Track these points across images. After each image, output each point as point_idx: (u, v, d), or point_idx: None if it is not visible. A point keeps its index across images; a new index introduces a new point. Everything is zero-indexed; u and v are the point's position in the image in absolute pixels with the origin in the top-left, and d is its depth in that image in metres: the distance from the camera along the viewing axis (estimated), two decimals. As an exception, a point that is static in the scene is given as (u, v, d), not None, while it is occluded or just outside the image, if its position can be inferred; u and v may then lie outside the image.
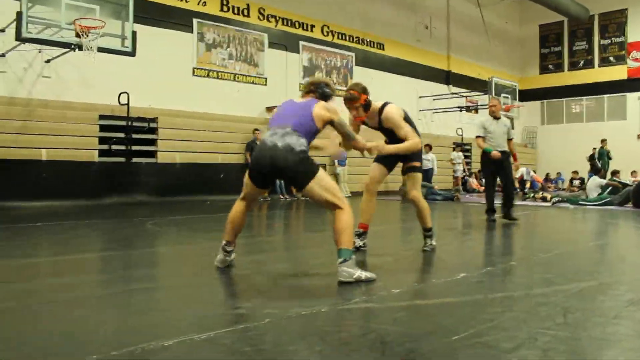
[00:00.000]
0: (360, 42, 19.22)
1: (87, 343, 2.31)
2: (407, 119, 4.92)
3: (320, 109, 3.96)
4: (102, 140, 11.99)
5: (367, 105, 4.81)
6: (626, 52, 24.45)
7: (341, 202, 3.74)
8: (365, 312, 2.86)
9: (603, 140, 19.81)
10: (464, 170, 20.71)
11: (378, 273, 3.72)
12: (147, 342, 2.25)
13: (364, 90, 4.81)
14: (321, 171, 3.74)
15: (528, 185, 19.48)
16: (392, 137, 4.89)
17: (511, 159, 8.28)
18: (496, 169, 8.15)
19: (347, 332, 2.47)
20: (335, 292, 3.36)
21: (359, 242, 4.99)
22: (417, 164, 4.91)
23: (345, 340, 2.34)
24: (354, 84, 4.91)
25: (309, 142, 3.85)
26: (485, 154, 8.05)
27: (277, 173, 3.78)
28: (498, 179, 8.37)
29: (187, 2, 14.39)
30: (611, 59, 24.95)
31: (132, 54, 10.75)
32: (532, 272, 4.04)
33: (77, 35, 9.69)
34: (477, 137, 8.18)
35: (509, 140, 8.24)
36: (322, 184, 3.70)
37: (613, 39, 24.91)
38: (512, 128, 8.58)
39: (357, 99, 4.76)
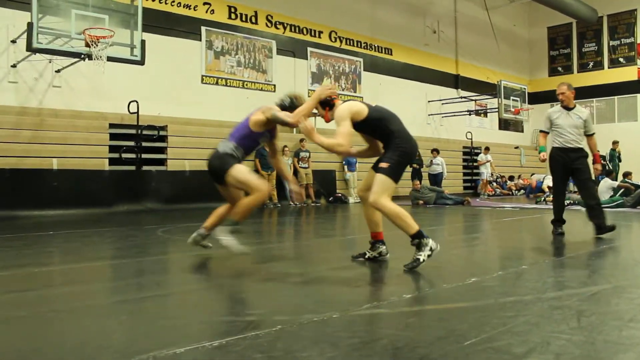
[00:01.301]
0: (368, 47, 19.23)
1: (99, 351, 2.31)
2: (371, 118, 4.33)
3: (256, 114, 4.78)
4: (112, 149, 12.06)
5: (323, 104, 4.60)
6: (636, 53, 24.28)
7: (252, 187, 4.65)
8: (376, 317, 2.84)
9: (615, 142, 19.65)
10: (491, 174, 20.46)
11: (389, 278, 3.70)
12: (159, 349, 2.25)
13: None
14: (236, 165, 4.66)
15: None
16: (378, 137, 4.49)
17: (589, 159, 6.79)
18: (567, 173, 6.74)
19: (358, 338, 2.46)
20: (346, 298, 3.35)
21: (369, 253, 4.70)
22: (384, 164, 4.24)
23: (357, 346, 2.33)
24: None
25: (248, 144, 4.84)
26: (553, 155, 6.74)
27: (212, 174, 4.88)
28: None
29: (195, 10, 14.47)
30: (621, 60, 24.80)
31: (141, 62, 10.82)
32: (544, 275, 4.01)
33: (87, 45, 9.77)
34: (540, 131, 7.03)
35: (589, 136, 6.78)
36: (234, 174, 4.66)
37: (622, 40, 24.76)
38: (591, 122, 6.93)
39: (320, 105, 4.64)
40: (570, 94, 6.87)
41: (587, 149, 6.74)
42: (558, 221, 6.76)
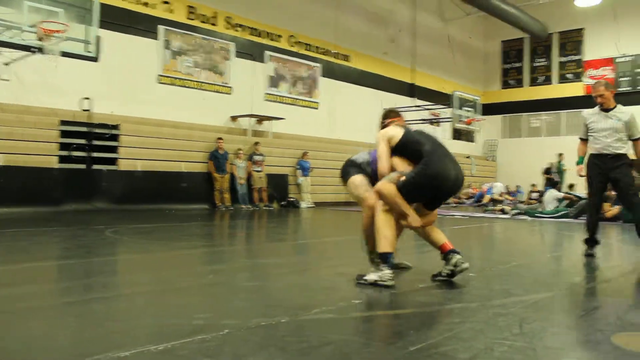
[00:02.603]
0: (327, 53, 19.33)
1: (44, 354, 2.26)
2: (404, 142, 4.20)
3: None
4: (62, 147, 11.74)
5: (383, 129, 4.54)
6: (583, 70, 25.18)
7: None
8: (325, 322, 2.86)
9: (560, 154, 20.32)
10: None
11: (339, 283, 3.72)
12: (105, 352, 2.22)
13: (385, 116, 4.75)
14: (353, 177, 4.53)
15: (487, 199, 19.81)
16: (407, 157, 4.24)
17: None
18: (603, 183, 5.87)
19: (307, 342, 2.47)
20: (296, 302, 3.36)
21: (446, 270, 4.13)
22: (402, 178, 4.00)
23: (305, 351, 2.35)
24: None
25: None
26: (589, 163, 5.94)
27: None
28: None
29: (153, 8, 14.26)
30: (569, 76, 25.65)
31: (96, 59, 10.61)
32: (490, 283, 4.11)
33: (40, 39, 9.51)
34: (579, 139, 6.15)
35: (634, 140, 5.78)
36: (350, 187, 4.57)
37: (571, 56, 25.63)
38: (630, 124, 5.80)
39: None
40: (609, 93, 5.85)
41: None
42: (591, 241, 5.96)
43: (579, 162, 6.09)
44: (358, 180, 4.50)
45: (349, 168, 4.63)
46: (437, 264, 4.15)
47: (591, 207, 6.16)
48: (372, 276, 3.85)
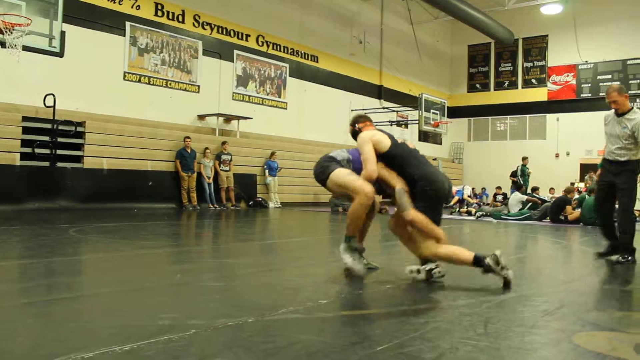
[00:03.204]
0: (295, 53, 19.32)
1: (1, 356, 2.20)
2: (394, 154, 4.28)
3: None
4: (24, 143, 11.47)
5: (353, 135, 4.60)
6: (546, 76, 25.69)
7: (353, 190, 4.23)
8: (291, 322, 2.86)
9: (524, 158, 20.68)
10: None
11: (306, 284, 3.72)
12: (66, 354, 2.18)
13: (352, 121, 4.69)
14: (337, 170, 4.37)
15: (455, 200, 20.02)
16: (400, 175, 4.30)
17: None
18: (611, 188, 5.72)
19: (273, 343, 2.47)
20: (262, 302, 3.35)
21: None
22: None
23: (272, 351, 2.34)
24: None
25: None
26: (601, 169, 5.85)
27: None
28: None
29: (120, 4, 14.04)
30: (533, 81, 26.15)
31: (60, 54, 10.41)
32: (456, 284, 4.16)
33: (0, 32, 9.28)
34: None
35: None
36: (333, 179, 4.36)
37: (535, 62, 26.14)
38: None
39: (351, 132, 4.66)
40: (622, 98, 5.60)
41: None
42: (614, 246, 5.76)
43: (599, 166, 6.07)
44: (343, 171, 4.36)
45: (328, 163, 4.48)
46: (402, 266, 4.19)
47: (599, 215, 6.03)
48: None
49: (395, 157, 4.24)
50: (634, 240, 5.65)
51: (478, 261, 3.87)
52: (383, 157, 4.25)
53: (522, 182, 18.67)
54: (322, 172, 4.46)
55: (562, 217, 12.04)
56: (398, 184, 4.17)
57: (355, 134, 4.55)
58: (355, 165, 4.44)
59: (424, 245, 4.06)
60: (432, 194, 4.14)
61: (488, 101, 27.27)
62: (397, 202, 4.16)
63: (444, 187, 4.21)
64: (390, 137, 4.37)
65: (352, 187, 4.22)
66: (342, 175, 4.32)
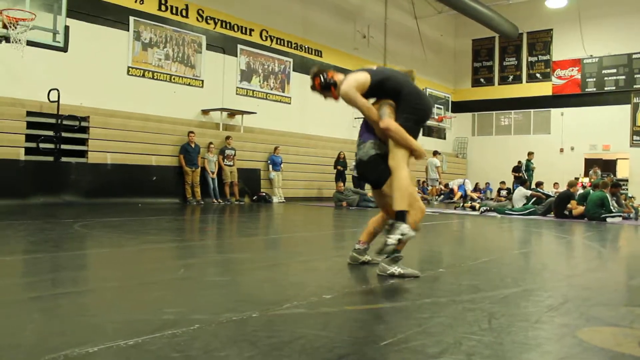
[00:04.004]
0: (299, 48, 19.30)
1: (7, 350, 2.21)
2: (379, 81, 4.11)
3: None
4: (29, 138, 11.51)
5: (325, 86, 4.27)
6: (551, 70, 25.61)
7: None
8: (296, 317, 2.86)
9: (530, 153, 20.62)
10: (436, 180, 20.76)
11: (310, 278, 3.73)
12: (71, 348, 2.18)
13: (315, 73, 4.31)
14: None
15: (458, 196, 20.02)
16: (391, 99, 4.15)
17: None
18: None
19: (277, 337, 2.47)
20: (266, 297, 3.35)
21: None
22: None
23: (276, 345, 2.34)
24: (310, 74, 4.42)
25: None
26: None
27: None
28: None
29: (123, -1, 14.05)
30: (538, 75, 26.08)
31: (64, 49, 10.44)
32: (460, 279, 4.16)
33: (4, 27, 9.29)
34: None
35: None
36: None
37: (540, 56, 26.06)
38: None
39: (314, 87, 4.34)
40: None
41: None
42: None
43: None
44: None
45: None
46: (406, 262, 4.18)
47: None
48: (389, 238, 3.85)
49: (385, 81, 4.11)
50: None
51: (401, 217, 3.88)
52: (375, 90, 4.12)
53: (526, 177, 18.65)
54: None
55: (566, 212, 12.02)
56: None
57: (326, 86, 4.26)
58: (363, 137, 4.25)
59: (398, 202, 3.94)
60: (418, 108, 4.06)
61: (492, 96, 27.22)
62: (379, 112, 4.06)
63: (429, 104, 4.22)
64: (365, 70, 4.20)
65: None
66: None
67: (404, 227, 3.86)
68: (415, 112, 4.05)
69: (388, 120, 3.96)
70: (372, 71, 4.17)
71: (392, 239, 3.84)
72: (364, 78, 4.08)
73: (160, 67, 14.86)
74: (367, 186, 17.87)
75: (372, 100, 4.24)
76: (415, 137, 4.06)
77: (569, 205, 12.09)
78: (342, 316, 3.01)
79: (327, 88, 4.27)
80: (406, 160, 4.04)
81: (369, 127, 4.22)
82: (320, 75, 4.26)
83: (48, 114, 11.84)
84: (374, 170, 4.13)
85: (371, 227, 4.48)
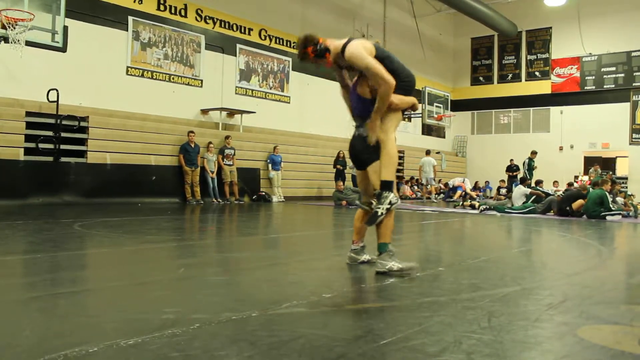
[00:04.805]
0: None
1: (6, 350, 2.21)
2: (382, 57, 4.15)
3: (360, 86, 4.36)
4: (28, 138, 11.49)
5: (319, 53, 4.19)
6: (550, 68, 25.60)
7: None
8: (295, 316, 2.86)
9: (533, 152, 20.56)
10: (434, 179, 20.77)
11: (309, 278, 3.72)
12: (71, 348, 2.18)
13: (307, 41, 4.18)
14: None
15: (458, 194, 20.01)
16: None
17: None
18: None
19: (277, 337, 2.47)
20: (266, 297, 3.35)
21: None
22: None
23: (276, 345, 2.35)
24: (298, 43, 4.24)
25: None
26: None
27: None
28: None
29: (122, -1, 14.04)
30: (537, 73, 26.07)
31: (63, 49, 10.42)
32: (460, 277, 4.16)
33: (3, 27, 9.29)
34: None
35: None
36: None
37: (539, 55, 26.05)
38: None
39: (306, 57, 4.22)
40: None
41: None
42: None
43: None
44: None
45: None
46: (405, 260, 4.18)
47: None
48: (378, 209, 3.98)
49: (384, 59, 4.15)
50: None
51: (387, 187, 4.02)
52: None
53: (529, 176, 18.66)
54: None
55: (568, 209, 12.04)
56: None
57: (321, 53, 4.18)
58: (357, 111, 4.35)
59: (384, 171, 4.07)
60: (407, 81, 4.20)
61: (491, 94, 27.22)
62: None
63: (414, 77, 4.31)
64: (374, 44, 4.27)
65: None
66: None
67: (391, 196, 4.00)
68: (404, 86, 4.17)
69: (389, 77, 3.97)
70: (376, 45, 4.23)
71: (382, 209, 3.97)
72: (371, 47, 4.12)
73: (159, 66, 14.85)
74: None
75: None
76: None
77: (573, 204, 12.10)
78: (341, 315, 3.01)
79: (321, 55, 4.20)
80: (394, 132, 4.22)
81: (369, 108, 4.19)
82: (313, 44, 4.17)
83: (47, 114, 11.83)
84: (367, 150, 4.20)
85: (357, 224, 4.51)
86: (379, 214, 3.95)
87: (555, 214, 12.31)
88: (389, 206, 3.96)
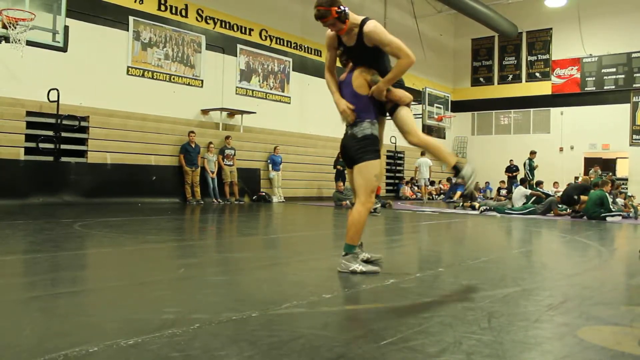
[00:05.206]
0: (298, 47, 19.28)
1: (7, 350, 2.21)
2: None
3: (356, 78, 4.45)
4: (28, 138, 11.50)
5: (342, 16, 4.11)
6: (550, 69, 25.60)
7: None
8: (295, 317, 2.86)
9: (533, 152, 20.54)
10: (429, 179, 20.78)
11: (310, 278, 3.72)
12: (71, 348, 2.18)
13: (332, 2, 4.07)
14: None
15: (458, 195, 20.00)
16: (367, 60, 4.29)
17: None
18: None
19: (277, 337, 2.47)
20: (266, 297, 3.35)
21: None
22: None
23: (276, 345, 2.35)
24: (322, 1, 4.12)
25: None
26: None
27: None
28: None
29: (122, -1, 14.04)
30: (537, 74, 26.07)
31: (64, 49, 10.41)
32: (460, 278, 4.16)
33: (4, 27, 9.28)
34: None
35: None
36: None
37: (539, 55, 26.05)
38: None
39: (327, 15, 4.10)
40: None
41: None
42: None
43: None
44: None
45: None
46: (405, 261, 4.18)
47: None
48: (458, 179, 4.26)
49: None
50: None
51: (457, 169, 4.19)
52: (375, 50, 4.22)
53: (530, 176, 18.65)
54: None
55: (575, 197, 12.15)
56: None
57: (344, 16, 4.11)
58: (347, 97, 4.34)
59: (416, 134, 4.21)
60: (400, 81, 4.34)
61: (492, 95, 27.22)
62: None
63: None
64: None
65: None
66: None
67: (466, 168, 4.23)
68: (402, 82, 4.42)
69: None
70: None
71: (468, 182, 4.23)
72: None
73: (159, 67, 14.85)
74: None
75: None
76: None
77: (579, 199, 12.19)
78: (342, 315, 3.01)
79: (343, 20, 4.14)
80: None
81: (365, 105, 4.23)
82: (338, 5, 4.09)
83: (48, 114, 11.83)
84: (358, 150, 4.13)
85: None
86: (377, 211, 4.07)
87: (556, 214, 12.31)
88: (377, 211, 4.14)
